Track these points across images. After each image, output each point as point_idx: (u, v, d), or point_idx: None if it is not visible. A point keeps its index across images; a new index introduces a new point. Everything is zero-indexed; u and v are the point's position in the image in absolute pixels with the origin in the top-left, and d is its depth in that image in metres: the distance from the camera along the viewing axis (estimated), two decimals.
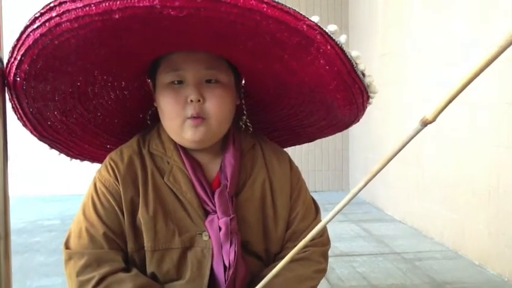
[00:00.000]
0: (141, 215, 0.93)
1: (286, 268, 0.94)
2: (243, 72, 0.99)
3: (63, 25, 0.66)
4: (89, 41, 0.71)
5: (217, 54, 0.90)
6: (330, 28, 0.72)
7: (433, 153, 2.70)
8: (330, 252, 1.06)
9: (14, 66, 0.76)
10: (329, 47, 0.71)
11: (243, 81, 1.02)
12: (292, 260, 0.95)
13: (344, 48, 0.74)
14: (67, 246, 0.93)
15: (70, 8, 0.64)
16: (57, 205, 3.82)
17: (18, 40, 0.73)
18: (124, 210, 0.93)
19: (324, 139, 1.20)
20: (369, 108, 0.92)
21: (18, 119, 0.89)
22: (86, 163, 1.18)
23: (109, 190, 0.94)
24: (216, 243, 0.92)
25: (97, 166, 1.03)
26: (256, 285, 0.82)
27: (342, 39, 0.74)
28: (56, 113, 0.93)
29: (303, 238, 0.74)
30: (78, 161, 1.14)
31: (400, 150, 0.64)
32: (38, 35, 0.69)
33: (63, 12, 0.65)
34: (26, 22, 0.70)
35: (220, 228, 0.92)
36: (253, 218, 0.98)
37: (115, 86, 0.97)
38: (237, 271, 0.93)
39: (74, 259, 0.91)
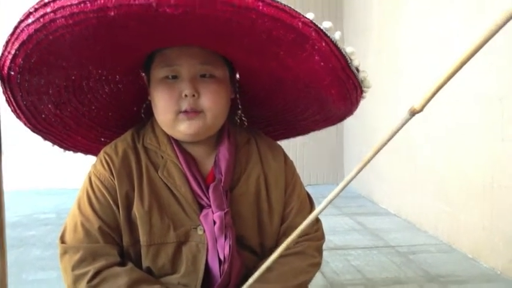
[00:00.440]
0: (136, 209, 0.93)
1: (282, 262, 0.95)
2: (238, 68, 0.99)
3: (57, 21, 0.66)
4: (83, 36, 0.70)
5: (212, 50, 0.90)
6: (325, 25, 0.72)
7: (427, 147, 2.71)
8: (324, 246, 1.07)
9: (8, 60, 0.75)
10: (324, 44, 0.72)
11: (238, 76, 1.02)
12: (288, 254, 0.97)
13: (339, 45, 0.74)
14: (62, 240, 0.94)
15: (65, 4, 0.64)
16: (53, 199, 3.81)
17: (12, 35, 0.72)
18: (119, 205, 0.93)
19: (318, 133, 1.20)
20: (363, 102, 0.93)
21: (12, 111, 0.89)
22: (81, 157, 1.18)
23: (104, 184, 0.94)
24: (210, 237, 0.93)
25: (92, 159, 1.03)
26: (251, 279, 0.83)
27: (336, 35, 0.74)
28: (50, 106, 0.93)
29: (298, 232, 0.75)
30: (71, 153, 1.14)
31: (390, 138, 0.66)
32: (33, 30, 0.68)
33: (58, 9, 0.64)
34: (20, 17, 0.69)
35: (214, 222, 0.92)
36: (248, 212, 0.99)
37: (109, 79, 0.97)
38: (232, 265, 0.93)
39: (69, 253, 0.91)
